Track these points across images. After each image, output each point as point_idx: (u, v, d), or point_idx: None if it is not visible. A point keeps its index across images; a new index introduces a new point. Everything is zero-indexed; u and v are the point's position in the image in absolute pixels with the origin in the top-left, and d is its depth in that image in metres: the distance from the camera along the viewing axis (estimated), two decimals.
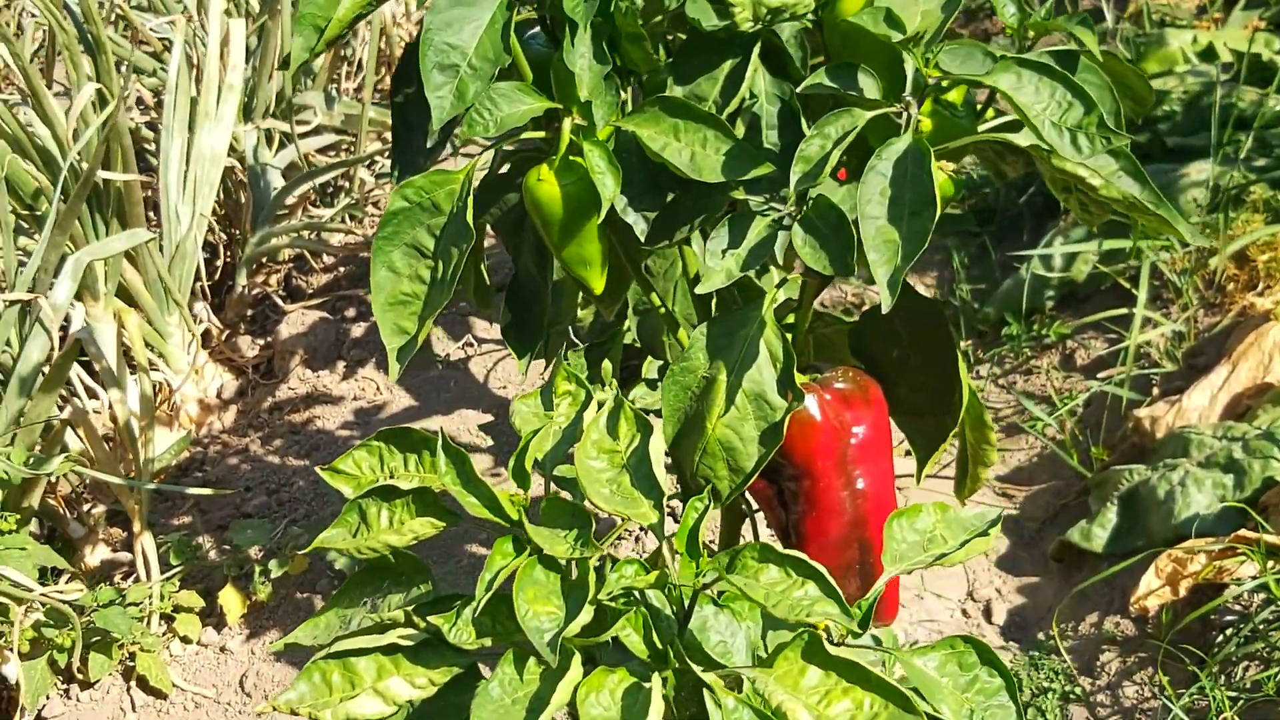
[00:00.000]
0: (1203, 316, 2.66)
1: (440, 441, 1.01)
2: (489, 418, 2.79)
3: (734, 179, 1.24)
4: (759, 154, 1.24)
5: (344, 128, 3.66)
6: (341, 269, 3.52)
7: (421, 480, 1.06)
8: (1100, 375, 2.70)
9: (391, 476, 1.10)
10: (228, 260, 3.51)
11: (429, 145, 1.39)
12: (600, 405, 1.09)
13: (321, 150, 3.69)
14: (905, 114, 1.19)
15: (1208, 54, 3.34)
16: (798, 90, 1.26)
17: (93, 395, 2.70)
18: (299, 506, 2.62)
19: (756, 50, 1.37)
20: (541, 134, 1.40)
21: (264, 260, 3.57)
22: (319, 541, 1.13)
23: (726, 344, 1.27)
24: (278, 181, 3.46)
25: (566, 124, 1.35)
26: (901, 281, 1.10)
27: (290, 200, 3.47)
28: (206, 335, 3.24)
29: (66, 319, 2.47)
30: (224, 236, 3.50)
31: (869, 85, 1.23)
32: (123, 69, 3.26)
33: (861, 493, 1.47)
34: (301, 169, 3.48)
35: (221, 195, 3.43)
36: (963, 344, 3.01)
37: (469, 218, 1.26)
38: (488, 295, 1.60)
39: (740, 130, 1.38)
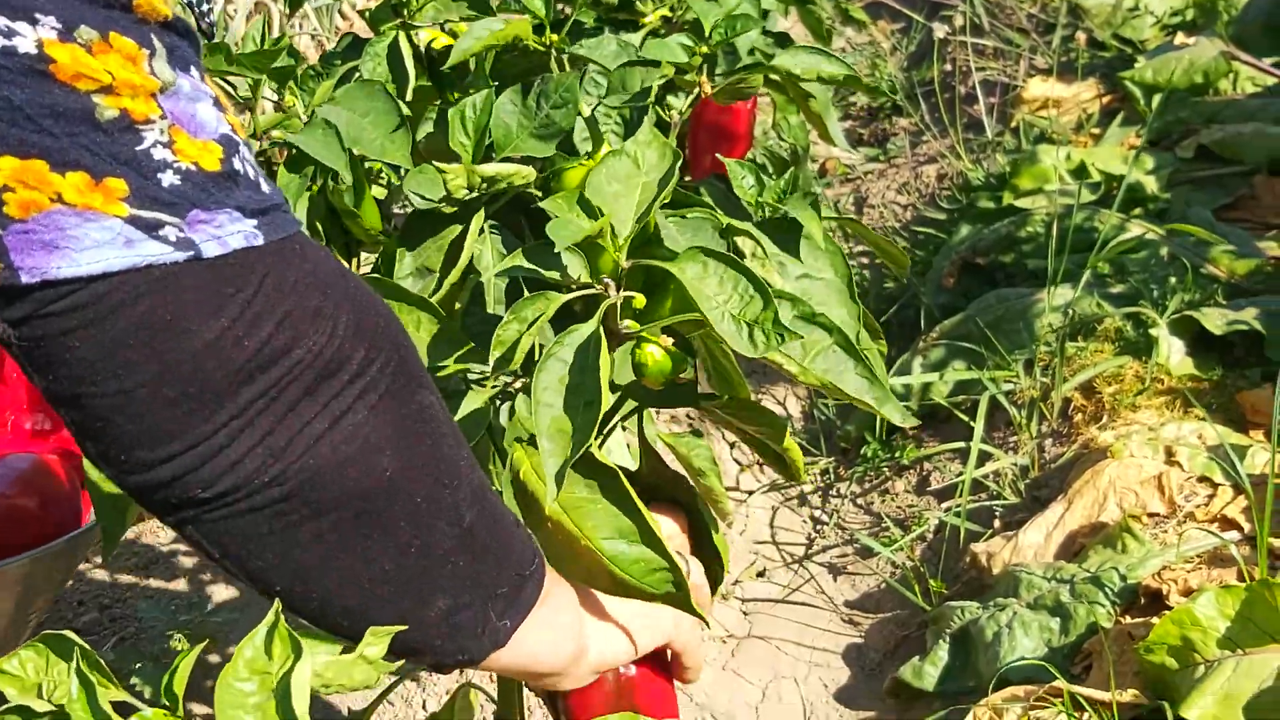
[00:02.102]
0: (1050, 447, 2.65)
1: (74, 663, 0.97)
2: None
3: (437, 364, 1.22)
4: (464, 337, 1.22)
5: None
6: None
7: (68, 701, 1.02)
8: (946, 505, 2.68)
9: (56, 682, 1.07)
10: None
11: None
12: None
13: None
14: (599, 299, 1.18)
15: (1080, 172, 3.36)
16: (495, 273, 1.25)
17: None
18: (129, 624, 2.56)
19: (480, 220, 1.35)
20: None
21: None
22: None
23: None
24: None
25: None
26: (565, 475, 1.08)
27: None
28: None
29: None
30: None
31: (574, 264, 1.22)
32: None
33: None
34: None
35: None
36: (824, 461, 2.99)
37: None
38: None
39: (465, 297, 1.37)
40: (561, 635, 1.09)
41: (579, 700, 1.27)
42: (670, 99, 2.36)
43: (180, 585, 2.68)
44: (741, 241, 1.38)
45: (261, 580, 0.92)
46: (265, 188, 0.85)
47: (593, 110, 1.52)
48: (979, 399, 2.67)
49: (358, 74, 1.72)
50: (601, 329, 1.15)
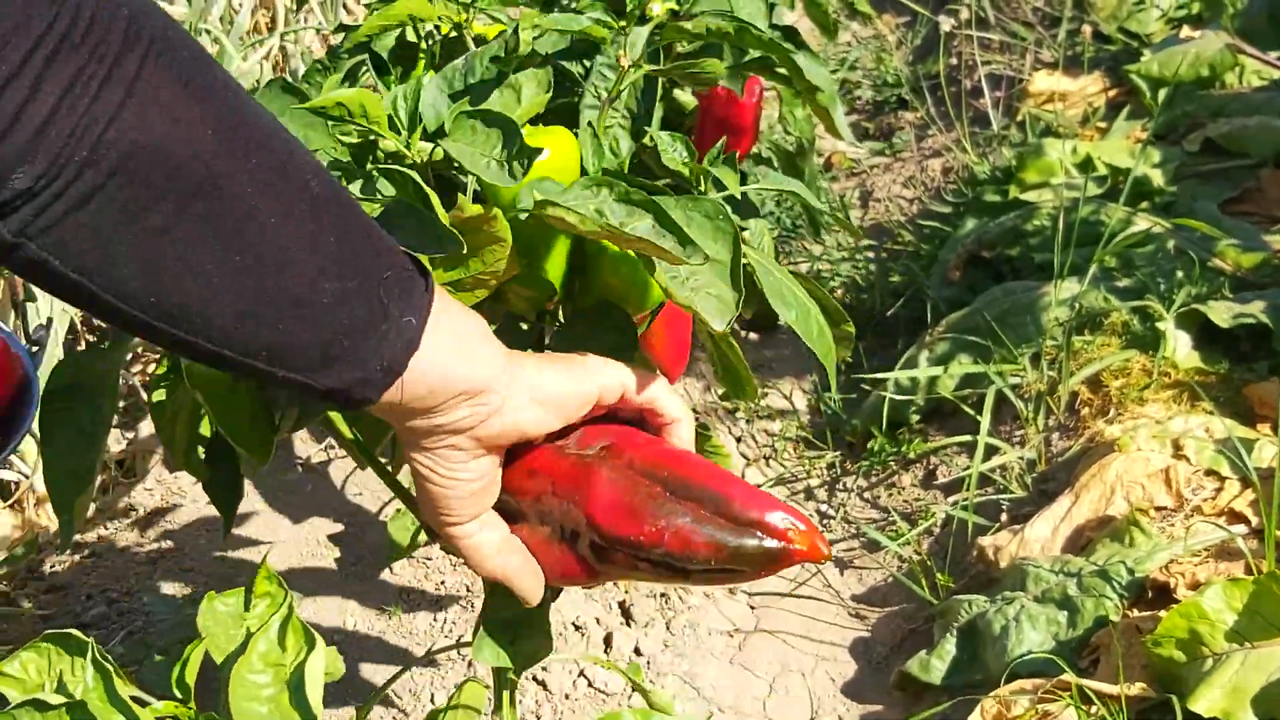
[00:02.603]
0: (1058, 440, 2.66)
1: (90, 654, 0.97)
2: (339, 527, 2.74)
3: None
4: None
5: None
6: None
7: (84, 693, 1.02)
8: (952, 499, 2.68)
9: (60, 681, 1.07)
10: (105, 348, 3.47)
11: None
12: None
13: None
14: None
15: (1086, 165, 3.36)
16: None
17: None
18: (136, 618, 2.57)
19: None
20: None
21: (139, 352, 3.53)
22: None
23: None
24: None
25: None
26: None
27: None
28: None
29: None
30: (99, 326, 3.46)
31: None
32: None
33: None
34: None
35: None
36: (830, 455, 3.00)
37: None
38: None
39: None
40: (481, 343, 1.03)
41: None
42: (677, 92, 2.36)
43: (188, 578, 2.69)
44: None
45: (134, 300, 0.87)
46: None
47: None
48: (985, 393, 2.67)
49: (364, 70, 1.72)
50: None
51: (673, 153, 1.34)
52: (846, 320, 1.48)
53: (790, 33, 2.31)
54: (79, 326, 3.36)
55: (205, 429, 1.45)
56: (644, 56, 1.52)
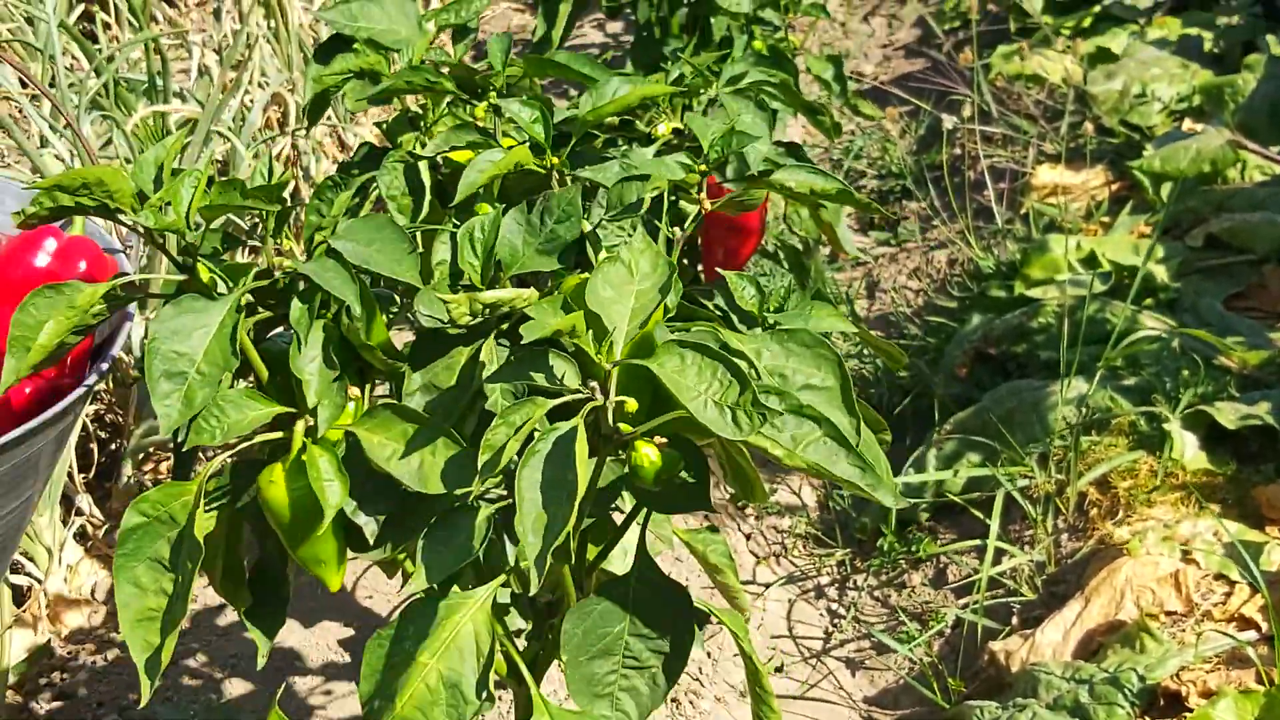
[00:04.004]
0: (1067, 542, 2.66)
1: None
2: (350, 631, 2.74)
3: (457, 488, 1.24)
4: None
5: None
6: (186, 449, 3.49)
7: None
8: (963, 601, 2.68)
9: None
10: (115, 448, 3.49)
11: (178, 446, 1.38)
12: None
13: None
14: (587, 401, 1.22)
15: (1090, 261, 3.39)
16: (484, 380, 1.28)
17: None
18: None
19: (490, 342, 1.38)
20: (279, 434, 1.39)
21: (152, 450, 3.54)
22: None
23: (431, 624, 1.26)
24: None
25: (298, 427, 1.35)
26: (549, 561, 1.11)
27: None
28: (84, 531, 3.19)
29: None
30: (114, 420, 3.48)
31: (560, 367, 1.25)
32: None
33: None
34: None
35: (110, 384, 3.42)
36: (840, 553, 3.00)
37: (198, 532, 1.25)
38: (240, 578, 1.56)
39: (473, 423, 1.39)
40: None
41: None
42: (683, 203, 2.39)
43: (198, 685, 2.69)
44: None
45: None
46: None
47: (594, 227, 1.55)
48: (994, 494, 2.68)
49: (375, 186, 1.75)
50: (581, 426, 1.18)
51: (744, 293, 1.44)
52: (885, 428, 1.52)
53: (794, 148, 2.35)
54: (90, 427, 3.38)
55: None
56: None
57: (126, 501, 3.38)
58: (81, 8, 5.27)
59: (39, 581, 2.92)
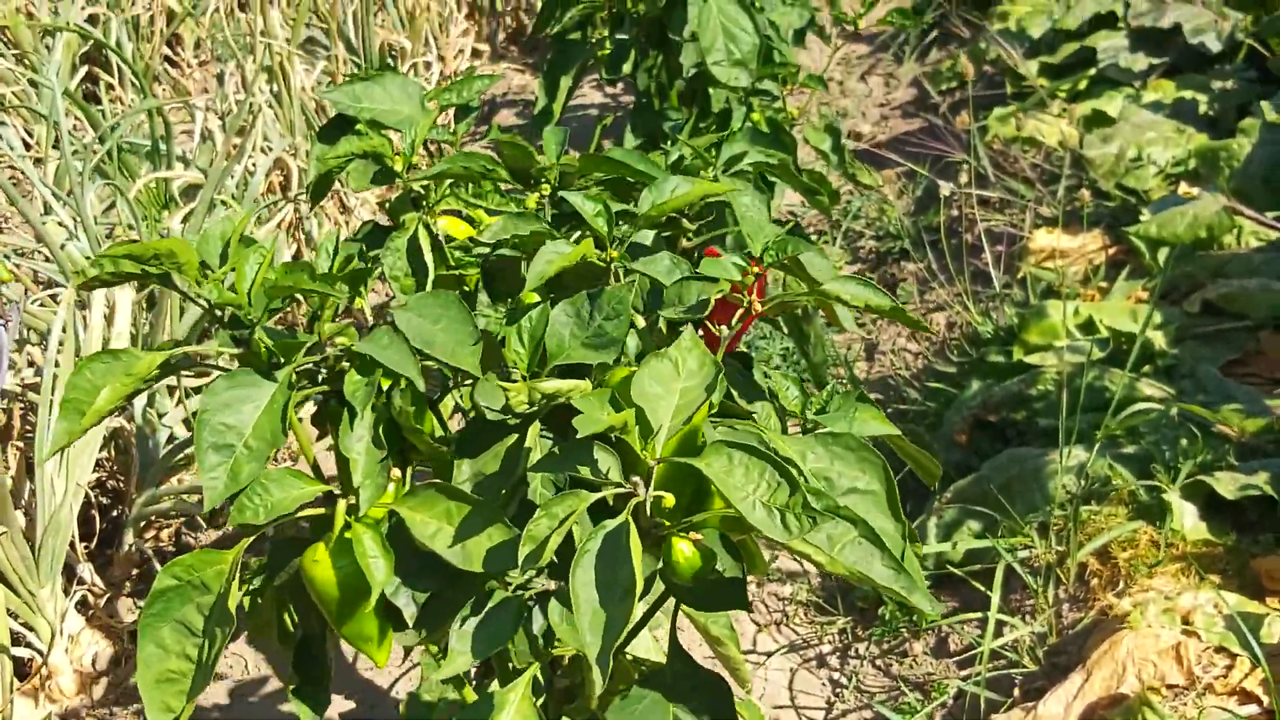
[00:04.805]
0: (1068, 612, 2.66)
1: None
2: (351, 704, 2.74)
3: (500, 570, 1.25)
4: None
5: None
6: (232, 526, 3.49)
7: None
8: (965, 672, 2.68)
9: None
10: (117, 515, 3.49)
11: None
12: None
13: None
14: (630, 496, 1.23)
15: (1088, 327, 3.40)
16: (528, 469, 1.29)
17: None
18: None
19: (535, 429, 1.40)
20: (321, 511, 1.41)
21: (153, 517, 3.55)
22: None
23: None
24: (180, 431, 3.46)
25: (341, 506, 1.36)
26: (611, 661, 1.12)
27: (182, 456, 3.46)
28: (85, 600, 3.19)
29: None
30: (115, 487, 3.48)
31: (605, 461, 1.26)
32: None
33: None
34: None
35: (111, 451, 3.43)
36: (841, 621, 3.00)
37: (231, 603, 1.26)
38: (288, 653, 1.59)
39: (513, 508, 1.40)
40: None
41: None
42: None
43: None
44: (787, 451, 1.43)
45: None
46: None
47: (650, 324, 1.57)
48: (995, 566, 2.68)
49: (378, 268, 1.77)
50: (631, 523, 1.19)
51: (788, 394, 1.49)
52: (909, 529, 1.54)
53: (795, 229, 2.38)
54: (91, 494, 3.39)
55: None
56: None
57: (128, 569, 3.40)
58: (85, 69, 5.32)
59: (41, 654, 2.92)
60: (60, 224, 3.78)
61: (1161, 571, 2.58)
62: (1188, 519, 2.64)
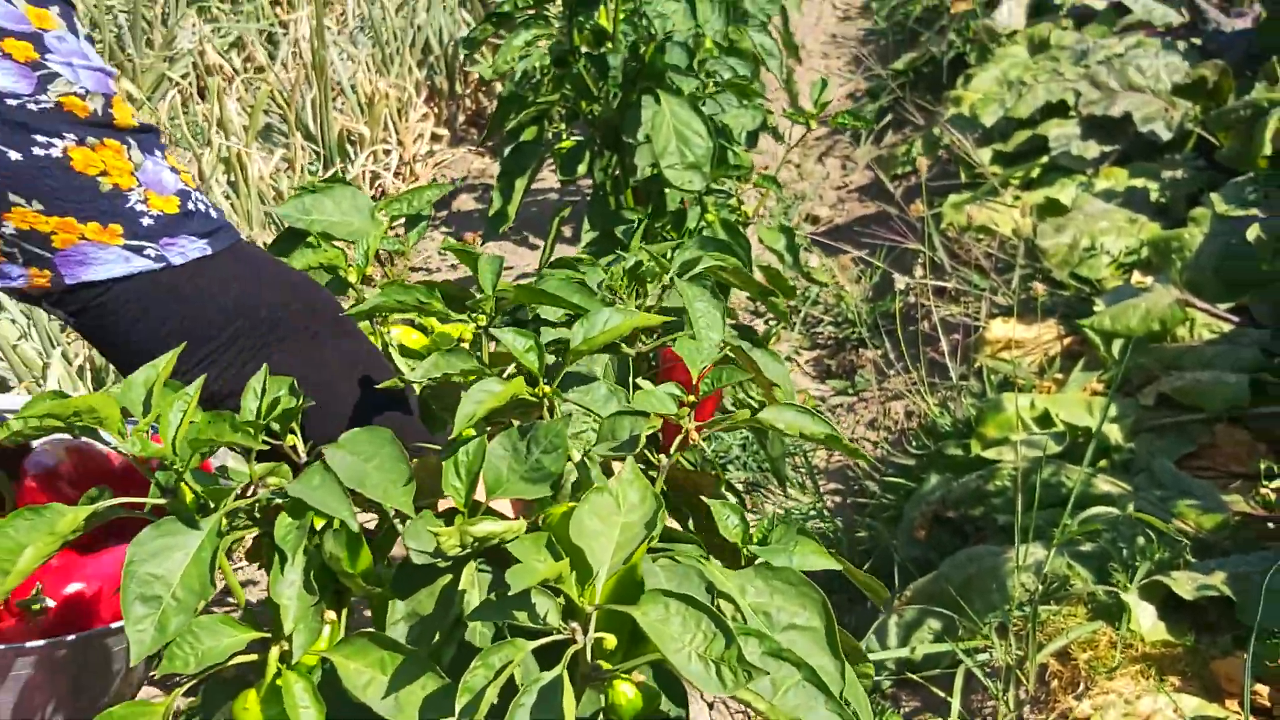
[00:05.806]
0: (1029, 714, 2.65)
1: None
2: None
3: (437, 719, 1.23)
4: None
5: None
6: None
7: None
8: None
9: None
10: None
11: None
12: None
13: None
14: (569, 643, 1.22)
15: (1045, 420, 3.41)
16: (467, 617, 1.29)
17: None
18: None
19: (471, 569, 1.38)
20: (254, 657, 1.38)
21: None
22: None
23: None
24: None
25: (273, 653, 1.34)
26: None
27: None
28: None
29: None
30: None
31: (543, 605, 1.25)
32: None
33: None
34: None
35: None
36: None
37: None
38: None
39: (452, 650, 1.38)
40: None
41: None
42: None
43: None
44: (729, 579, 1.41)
45: None
46: (213, 214, 1.51)
47: (583, 455, 1.56)
48: (955, 670, 2.67)
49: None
50: (565, 676, 1.18)
51: (727, 523, 1.49)
52: (866, 659, 1.53)
53: (748, 332, 2.37)
54: None
55: None
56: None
57: None
58: None
59: None
60: (13, 322, 3.74)
61: (1122, 673, 2.57)
62: (1146, 619, 2.63)
